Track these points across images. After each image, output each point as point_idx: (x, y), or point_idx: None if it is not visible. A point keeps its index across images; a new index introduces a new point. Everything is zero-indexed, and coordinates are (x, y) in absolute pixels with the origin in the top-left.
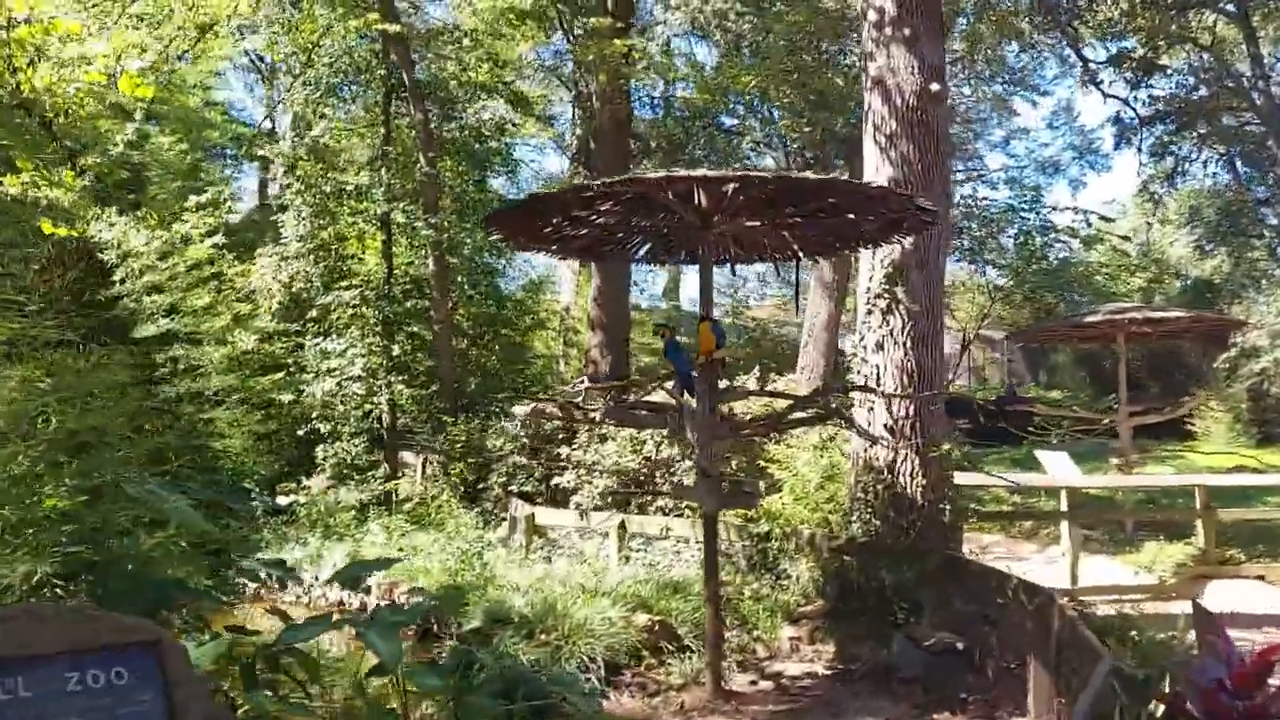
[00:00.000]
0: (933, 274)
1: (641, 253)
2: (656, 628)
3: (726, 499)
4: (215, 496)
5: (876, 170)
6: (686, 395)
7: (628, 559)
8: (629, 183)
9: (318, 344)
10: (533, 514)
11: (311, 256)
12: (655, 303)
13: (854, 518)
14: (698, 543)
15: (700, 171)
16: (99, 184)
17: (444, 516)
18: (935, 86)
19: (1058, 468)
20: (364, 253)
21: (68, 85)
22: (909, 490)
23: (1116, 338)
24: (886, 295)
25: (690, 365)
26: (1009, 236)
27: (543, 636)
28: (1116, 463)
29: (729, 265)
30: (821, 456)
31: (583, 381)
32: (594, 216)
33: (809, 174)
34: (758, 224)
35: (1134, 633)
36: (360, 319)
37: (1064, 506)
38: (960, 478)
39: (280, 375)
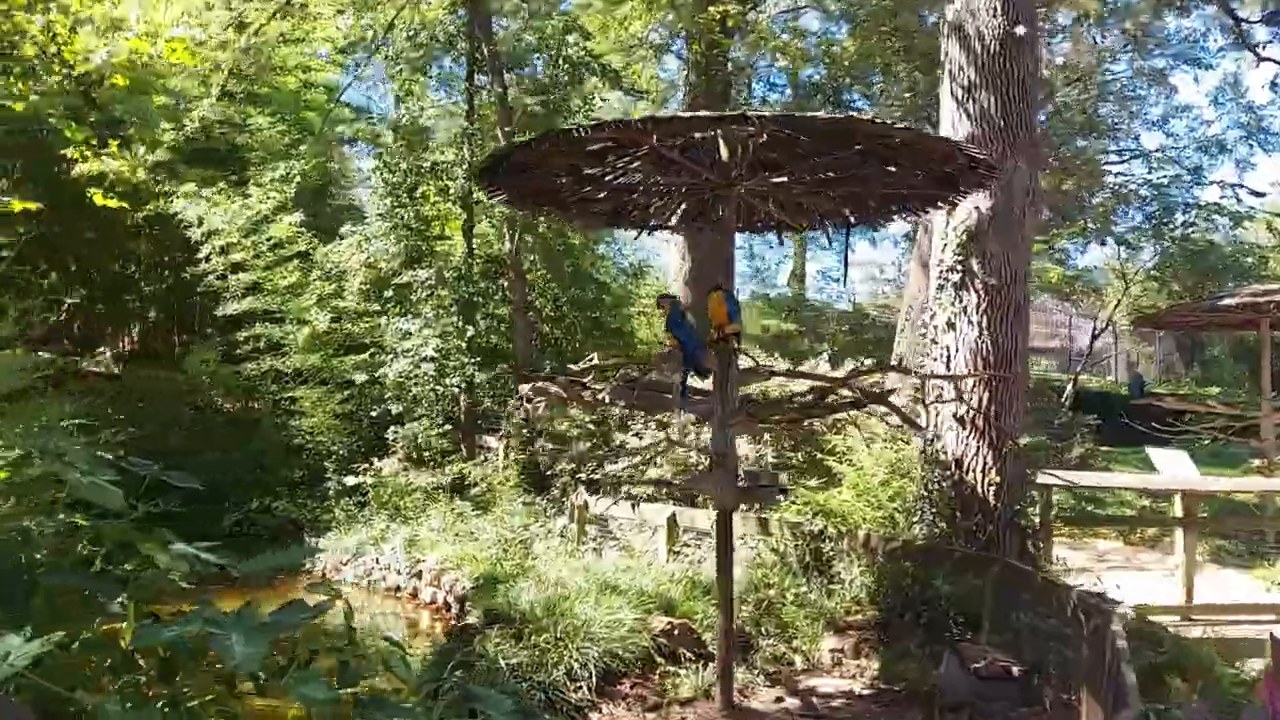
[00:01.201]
0: (1015, 243)
1: (674, 219)
2: (676, 632)
3: (744, 493)
4: (158, 473)
5: (953, 126)
6: (692, 375)
7: (676, 554)
8: (610, 127)
9: (394, 324)
10: (585, 503)
11: (393, 235)
12: (779, 290)
13: (916, 518)
14: (751, 542)
15: (686, 113)
16: (177, 159)
17: (506, 502)
18: (1020, 29)
19: (1173, 467)
20: (445, 232)
21: (101, 50)
22: (979, 489)
23: (1260, 324)
24: (959, 267)
25: (698, 340)
26: (1154, 216)
27: (534, 638)
28: (1257, 464)
29: (776, 233)
30: (890, 449)
31: (593, 358)
32: (608, 175)
33: (819, 114)
34: (787, 180)
35: (1223, 663)
36: (436, 299)
37: (1178, 511)
38: (1066, 477)
39: (365, 356)
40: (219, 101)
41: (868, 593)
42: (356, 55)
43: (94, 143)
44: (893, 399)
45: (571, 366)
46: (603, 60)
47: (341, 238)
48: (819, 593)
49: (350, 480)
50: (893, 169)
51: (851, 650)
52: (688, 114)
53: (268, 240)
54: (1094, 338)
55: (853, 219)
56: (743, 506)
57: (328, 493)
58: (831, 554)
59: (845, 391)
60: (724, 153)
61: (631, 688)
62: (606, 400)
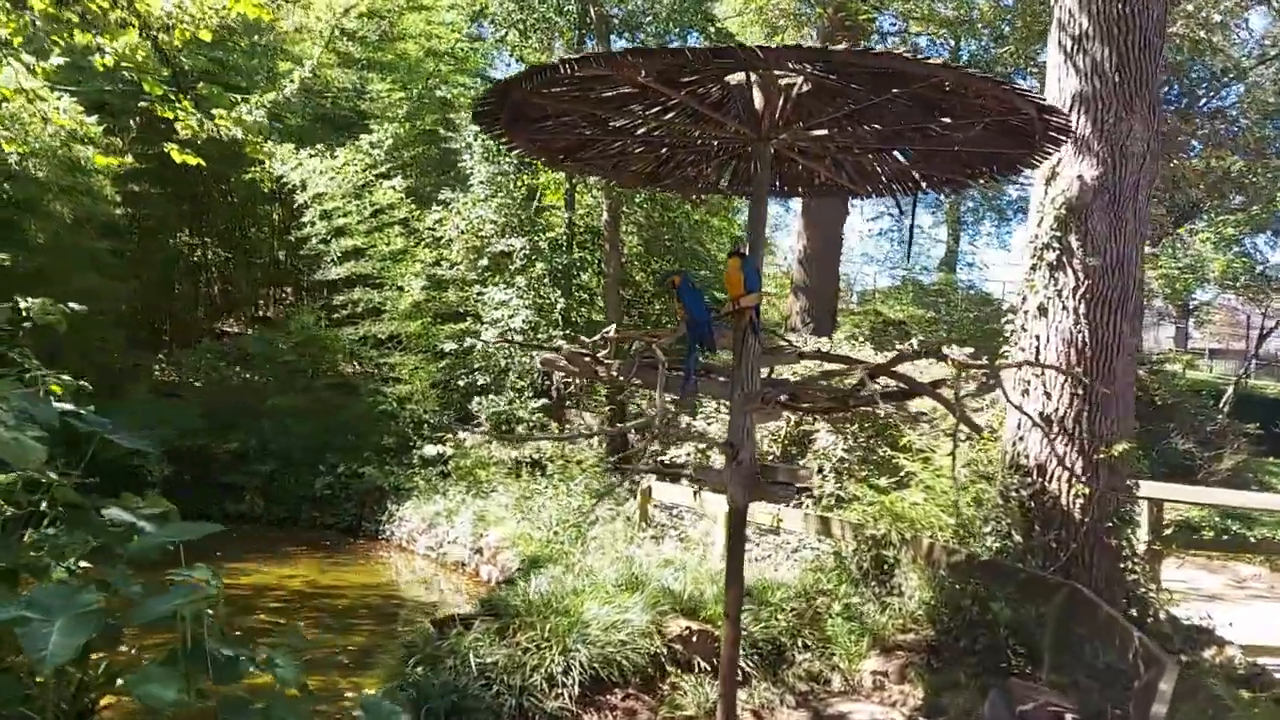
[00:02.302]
0: (1125, 219)
1: (724, 181)
2: (695, 639)
3: (759, 491)
4: (108, 433)
5: (1058, 83)
6: (697, 351)
7: None
8: (595, 62)
9: (488, 293)
10: (649, 488)
11: (494, 202)
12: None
13: (989, 528)
14: (812, 542)
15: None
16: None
17: (582, 481)
18: None
19: None
20: (545, 201)
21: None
22: (1064, 500)
23: None
24: (1056, 244)
25: (708, 311)
26: None
27: (519, 635)
28: None
29: (849, 197)
30: (973, 447)
31: (609, 330)
32: (639, 129)
33: (840, 46)
34: (826, 133)
35: None
36: (529, 269)
37: None
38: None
39: (462, 325)
40: (339, 68)
41: (926, 610)
42: (476, 24)
43: (175, 99)
44: (947, 390)
45: (584, 339)
46: (719, 25)
47: (445, 205)
48: (874, 605)
49: (430, 450)
50: (946, 120)
51: (896, 674)
52: (679, 47)
53: (370, 206)
54: (1262, 337)
55: (923, 183)
56: (808, 503)
57: (414, 460)
58: (894, 562)
59: (886, 380)
60: (757, 99)
61: (624, 699)
62: (617, 374)
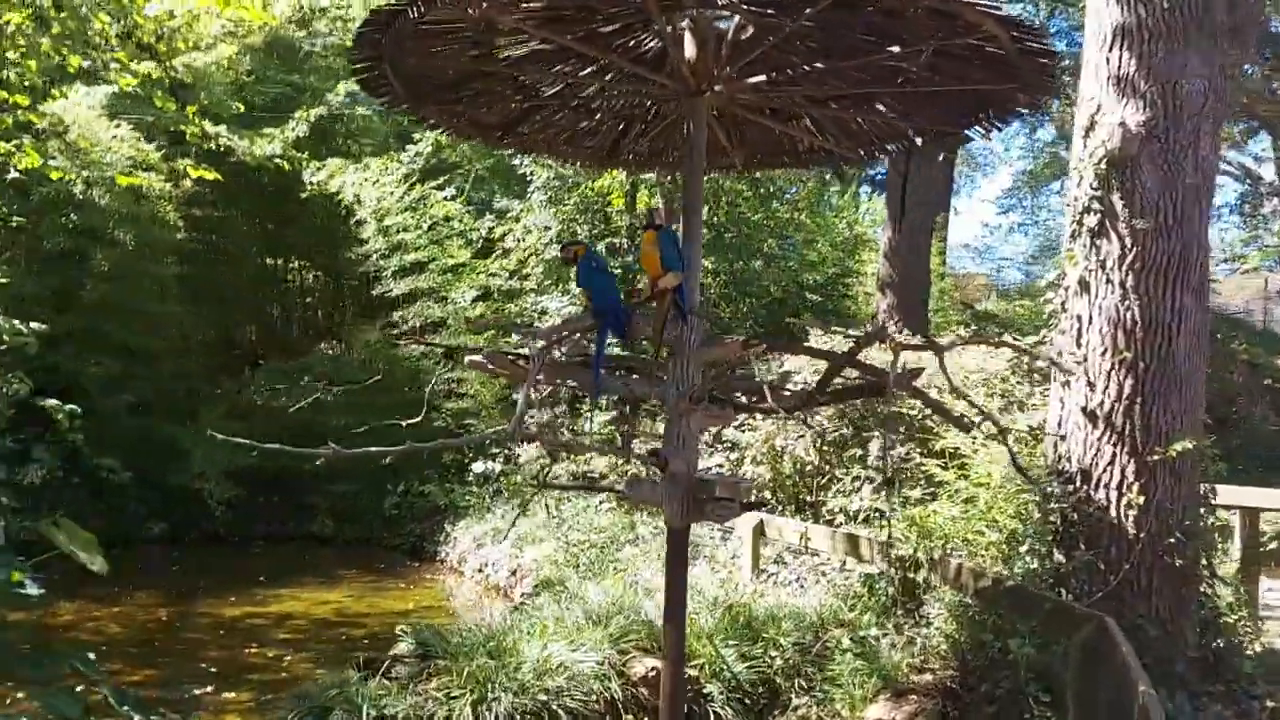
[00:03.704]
0: (1181, 170)
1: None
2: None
3: (696, 508)
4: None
5: (1099, 16)
6: (607, 344)
7: (762, 570)
8: None
9: (540, 302)
10: None
11: (552, 209)
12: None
13: (1025, 546)
14: (844, 565)
15: None
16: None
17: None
18: None
19: None
20: (608, 205)
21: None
22: (1112, 510)
23: None
24: (1096, 206)
25: (619, 296)
26: None
27: (432, 681)
28: None
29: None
30: (1023, 450)
31: (531, 326)
32: (569, 92)
33: None
34: (770, 78)
35: None
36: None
37: None
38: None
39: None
40: None
41: (949, 644)
42: None
43: (190, 112)
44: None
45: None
46: None
47: (501, 215)
48: (894, 637)
49: (478, 466)
50: (894, 49)
51: None
52: None
53: (429, 219)
54: None
55: (916, 138)
56: (840, 518)
57: (470, 478)
58: (923, 586)
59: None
60: (689, 49)
61: None
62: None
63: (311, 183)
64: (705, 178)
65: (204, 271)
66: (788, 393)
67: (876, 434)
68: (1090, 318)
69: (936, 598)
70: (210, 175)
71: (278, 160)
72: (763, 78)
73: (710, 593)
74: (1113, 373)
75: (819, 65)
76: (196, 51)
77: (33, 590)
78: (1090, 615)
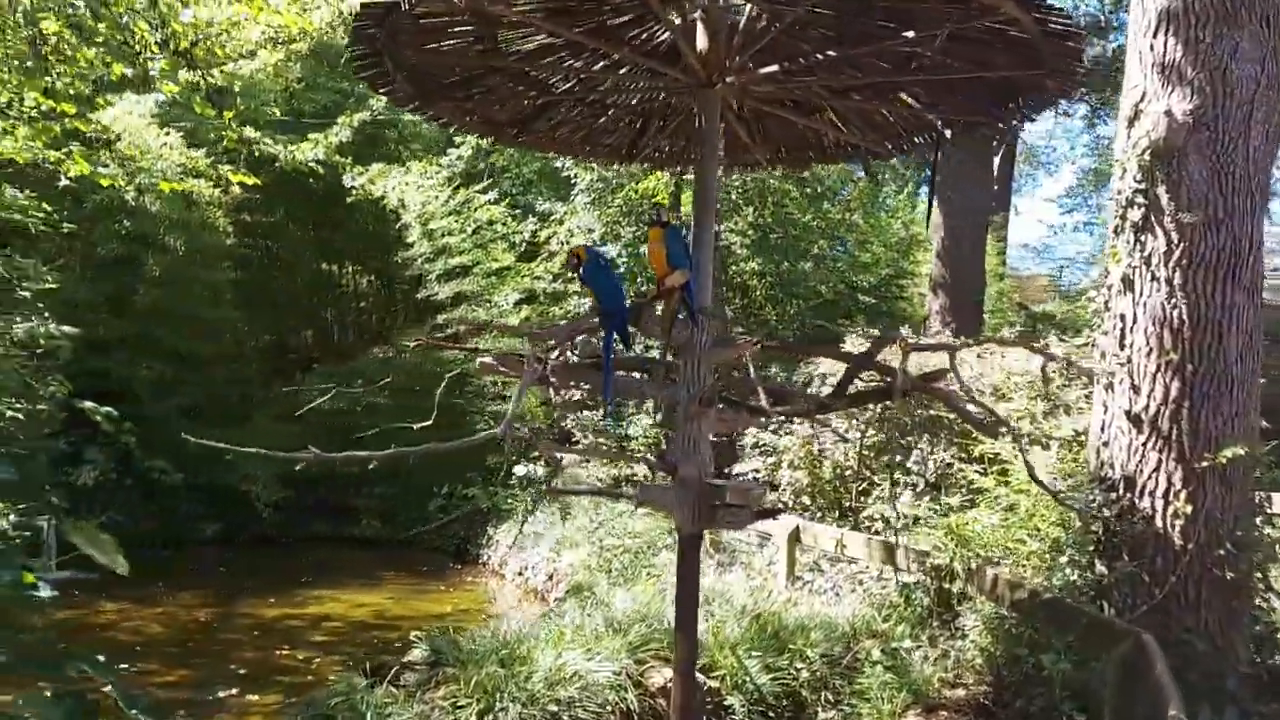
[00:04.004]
0: (1231, 161)
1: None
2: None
3: (707, 514)
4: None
5: (1142, 2)
6: (619, 343)
7: (798, 578)
8: None
9: (583, 304)
10: None
11: (596, 211)
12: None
13: (1066, 556)
14: (881, 574)
15: None
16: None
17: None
18: None
19: None
20: (653, 206)
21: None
22: (1157, 520)
23: None
24: (1140, 200)
25: (624, 296)
26: None
27: (439, 690)
28: None
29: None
30: (1060, 454)
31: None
32: (584, 88)
33: None
34: (782, 69)
35: None
36: (622, 277)
37: None
38: None
39: None
40: None
41: (984, 658)
42: None
43: (228, 118)
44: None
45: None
46: None
47: (544, 217)
48: (927, 650)
49: (520, 469)
50: (909, 34)
51: None
52: None
53: (473, 222)
54: None
55: (945, 130)
56: (877, 525)
57: (513, 481)
58: (960, 597)
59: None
60: (701, 40)
61: None
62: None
63: (353, 187)
64: (749, 178)
65: (258, 277)
66: (807, 395)
67: (914, 439)
68: (1135, 317)
69: (973, 609)
70: (249, 181)
71: (315, 165)
72: (775, 68)
73: (740, 600)
74: (1159, 375)
75: (832, 53)
76: (243, 59)
77: (45, 592)
78: (1129, 631)
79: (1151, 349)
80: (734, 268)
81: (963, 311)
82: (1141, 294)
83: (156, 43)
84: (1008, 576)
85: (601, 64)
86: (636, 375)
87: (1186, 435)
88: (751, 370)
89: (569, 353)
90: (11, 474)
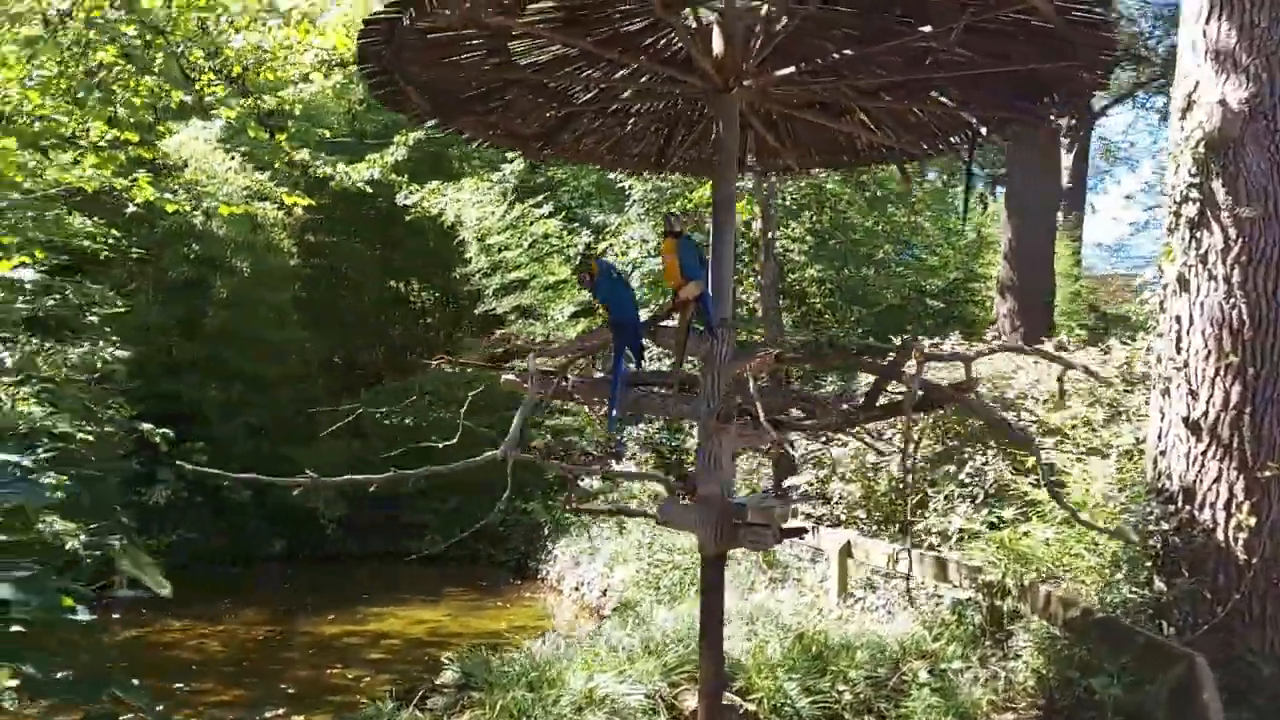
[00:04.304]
0: None
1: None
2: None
3: (729, 534)
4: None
5: None
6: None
7: (850, 595)
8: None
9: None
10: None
11: (650, 224)
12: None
13: (1122, 572)
14: (935, 590)
15: None
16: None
17: None
18: None
19: None
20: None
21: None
22: (1219, 533)
23: None
24: (1195, 194)
25: (635, 309)
26: None
27: (465, 714)
28: None
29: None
30: (1119, 463)
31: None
32: (607, 99)
33: None
34: (798, 70)
35: None
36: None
37: None
38: None
39: None
40: None
41: (1037, 680)
42: None
43: (280, 140)
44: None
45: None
46: None
47: (598, 230)
48: (978, 671)
49: (581, 483)
50: (926, 29)
51: None
52: None
53: (529, 236)
54: None
55: (981, 128)
56: (928, 541)
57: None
58: (1012, 616)
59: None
60: (717, 43)
61: None
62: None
63: (409, 206)
64: (804, 182)
65: (324, 296)
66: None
67: (971, 450)
68: (1191, 318)
69: (1025, 628)
70: (305, 202)
71: (365, 185)
72: (792, 69)
73: (785, 619)
74: (1218, 379)
75: (849, 52)
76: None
77: (84, 615)
78: (1183, 653)
79: (1210, 351)
80: (791, 275)
81: (1032, 314)
82: (1198, 294)
83: (212, 69)
84: (1060, 594)
85: (620, 73)
86: (657, 390)
87: (1248, 443)
88: (783, 381)
89: (593, 368)
90: (78, 492)
